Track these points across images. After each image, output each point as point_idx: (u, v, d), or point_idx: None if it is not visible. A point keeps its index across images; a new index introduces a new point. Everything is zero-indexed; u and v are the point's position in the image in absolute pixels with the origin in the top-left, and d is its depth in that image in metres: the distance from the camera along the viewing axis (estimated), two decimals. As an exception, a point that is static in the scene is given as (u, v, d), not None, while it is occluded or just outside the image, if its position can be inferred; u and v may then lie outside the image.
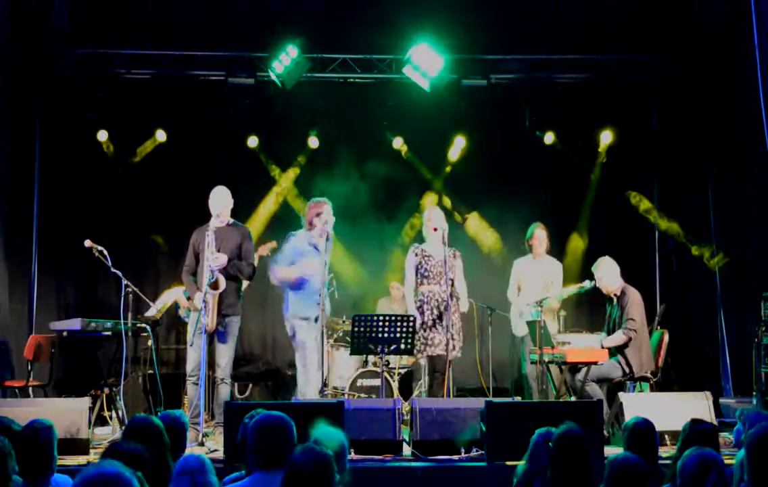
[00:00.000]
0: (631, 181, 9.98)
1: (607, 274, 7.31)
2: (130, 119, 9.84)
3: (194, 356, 6.70)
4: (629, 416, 5.61)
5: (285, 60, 8.86)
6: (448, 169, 10.37)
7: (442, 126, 10.05)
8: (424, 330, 6.98)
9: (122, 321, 7.05)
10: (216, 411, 6.95)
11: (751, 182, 8.07)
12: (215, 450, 6.19)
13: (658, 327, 7.89)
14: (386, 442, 5.92)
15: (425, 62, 8.88)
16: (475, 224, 10.24)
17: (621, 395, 6.69)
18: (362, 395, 8.23)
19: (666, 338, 7.40)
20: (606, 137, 9.94)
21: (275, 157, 10.35)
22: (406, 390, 8.56)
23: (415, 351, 6.93)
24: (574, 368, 7.11)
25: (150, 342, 7.65)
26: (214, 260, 6.66)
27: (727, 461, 3.45)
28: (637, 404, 6.41)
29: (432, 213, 7.27)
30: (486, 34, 9.19)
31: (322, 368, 6.95)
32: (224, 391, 6.76)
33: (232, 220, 7.05)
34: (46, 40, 8.98)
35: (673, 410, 6.23)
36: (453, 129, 10.09)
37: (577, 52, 9.32)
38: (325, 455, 2.89)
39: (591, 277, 7.39)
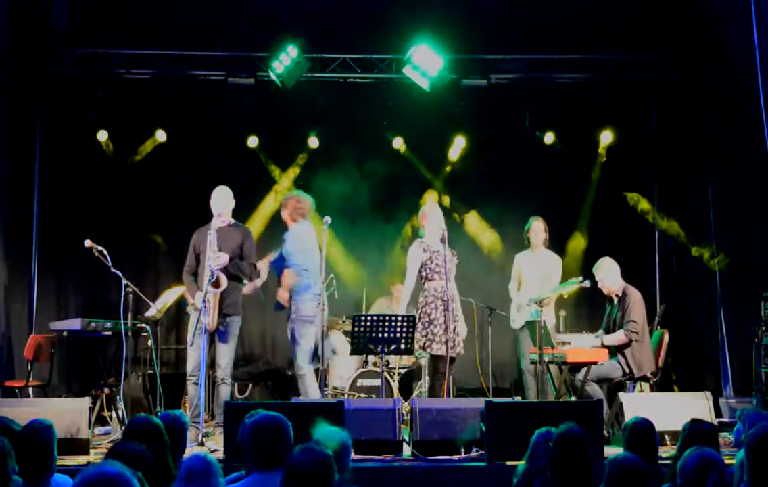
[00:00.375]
0: (631, 181, 9.98)
1: (608, 275, 7.31)
2: (130, 119, 9.84)
3: (194, 355, 6.70)
4: (629, 416, 5.60)
5: (285, 60, 8.86)
6: (448, 169, 10.37)
7: (442, 126, 10.05)
8: (435, 327, 6.92)
9: (122, 321, 7.05)
10: (216, 411, 6.95)
11: (751, 182, 8.06)
12: (215, 450, 6.19)
13: (658, 327, 7.89)
14: (386, 442, 5.92)
15: (425, 62, 8.88)
16: (475, 224, 10.24)
17: (621, 395, 6.69)
18: (362, 395, 8.23)
19: (666, 338, 7.40)
20: (606, 137, 9.94)
21: (275, 157, 10.35)
22: (406, 390, 8.56)
23: (425, 349, 6.89)
24: (574, 367, 7.11)
25: (150, 342, 7.65)
26: (215, 259, 6.66)
27: (727, 461, 3.45)
28: (637, 404, 6.41)
29: (432, 209, 7.25)
30: (486, 34, 9.19)
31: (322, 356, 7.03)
32: (224, 391, 6.75)
33: (233, 221, 7.06)
34: (46, 40, 8.98)
35: (673, 410, 6.23)
36: (453, 129, 10.08)
37: (577, 52, 9.32)
38: (324, 455, 2.89)
39: (591, 277, 7.39)
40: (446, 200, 10.19)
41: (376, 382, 7.94)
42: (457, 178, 10.32)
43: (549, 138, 10.00)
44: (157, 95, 9.57)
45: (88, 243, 7.02)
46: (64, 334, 7.17)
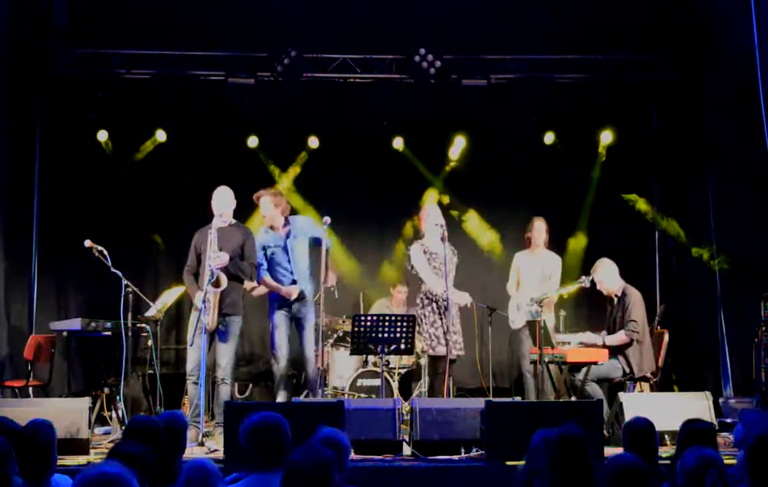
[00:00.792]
0: (631, 181, 9.97)
1: (607, 275, 7.31)
2: (130, 119, 9.83)
3: (194, 355, 6.71)
4: (629, 416, 5.61)
5: (285, 60, 8.86)
6: (447, 168, 10.36)
7: (442, 126, 10.04)
8: (434, 328, 6.92)
9: (122, 321, 7.05)
10: (216, 411, 6.96)
11: (751, 182, 8.06)
12: (215, 450, 6.21)
13: (658, 327, 7.89)
14: (386, 442, 5.93)
15: (425, 62, 8.89)
16: (475, 224, 10.23)
17: (621, 395, 6.69)
18: (362, 395, 8.22)
19: (666, 338, 7.41)
20: (606, 137, 9.93)
21: (275, 157, 10.34)
22: (406, 390, 8.55)
23: (420, 349, 6.92)
24: (574, 367, 7.11)
25: (150, 342, 7.65)
26: (215, 258, 6.67)
27: (727, 461, 3.45)
28: (637, 404, 6.41)
29: (431, 209, 7.27)
30: (486, 34, 9.18)
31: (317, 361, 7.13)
32: (224, 391, 6.76)
33: (234, 221, 7.08)
34: (46, 40, 8.97)
35: (673, 410, 6.22)
36: (453, 129, 10.08)
37: (577, 52, 9.31)
38: (324, 455, 2.89)
39: (590, 276, 7.39)
40: (446, 200, 10.18)
41: (376, 382, 7.94)
42: (457, 178, 10.30)
43: (549, 138, 9.99)
44: (157, 95, 9.56)
45: (88, 243, 7.03)
46: (64, 334, 7.18)
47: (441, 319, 6.98)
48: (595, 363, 6.96)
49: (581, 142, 10.09)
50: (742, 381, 8.27)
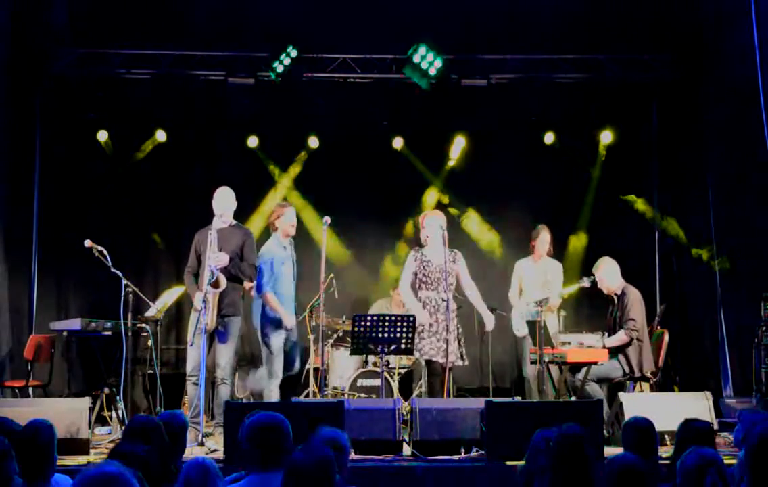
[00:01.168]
0: (631, 181, 9.97)
1: (608, 274, 7.32)
2: (130, 119, 9.83)
3: (194, 355, 6.70)
4: (629, 415, 5.60)
5: (285, 60, 8.86)
6: (447, 168, 10.36)
7: (442, 126, 10.04)
8: (428, 335, 6.90)
9: (122, 321, 7.05)
10: (216, 411, 6.95)
11: (751, 182, 8.06)
12: (215, 450, 6.20)
13: (658, 327, 7.90)
14: (386, 442, 5.93)
15: (425, 62, 8.89)
16: (475, 225, 10.24)
17: (621, 395, 6.69)
18: (362, 395, 8.23)
19: (666, 338, 7.41)
20: (606, 137, 9.94)
21: (275, 157, 10.34)
22: (406, 390, 8.55)
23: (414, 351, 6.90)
24: (574, 367, 7.11)
25: (150, 342, 7.66)
26: (215, 258, 6.67)
27: (726, 461, 3.45)
28: (637, 404, 6.41)
29: (425, 220, 7.16)
30: (486, 34, 9.19)
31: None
32: (224, 391, 6.76)
33: (234, 222, 7.07)
34: (46, 40, 8.98)
35: (673, 410, 6.20)
36: (453, 129, 10.08)
37: (577, 52, 9.32)
38: (325, 455, 2.89)
39: (590, 276, 7.40)
40: (446, 200, 10.19)
41: (376, 382, 7.94)
42: (456, 178, 10.31)
43: (549, 138, 9.99)
44: (157, 95, 9.56)
45: (88, 243, 7.03)
46: (64, 334, 7.17)
47: (440, 324, 6.92)
48: (595, 363, 6.96)
49: (581, 142, 10.09)
50: (742, 381, 8.27)
